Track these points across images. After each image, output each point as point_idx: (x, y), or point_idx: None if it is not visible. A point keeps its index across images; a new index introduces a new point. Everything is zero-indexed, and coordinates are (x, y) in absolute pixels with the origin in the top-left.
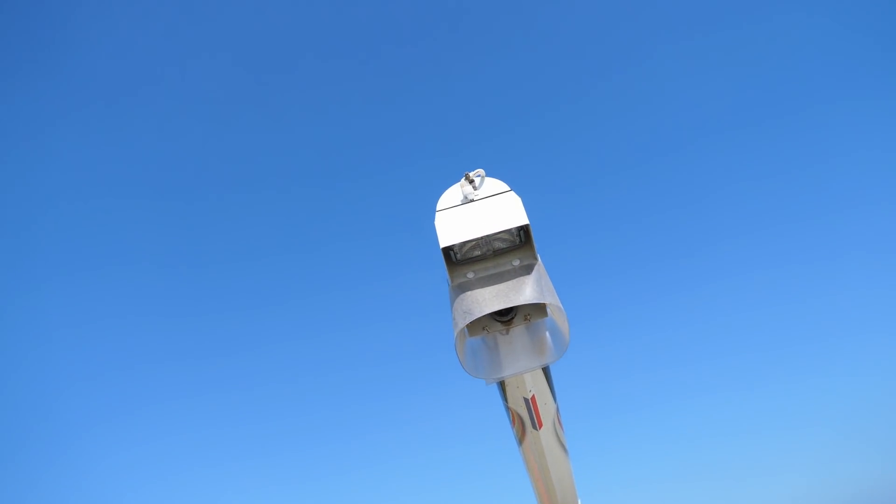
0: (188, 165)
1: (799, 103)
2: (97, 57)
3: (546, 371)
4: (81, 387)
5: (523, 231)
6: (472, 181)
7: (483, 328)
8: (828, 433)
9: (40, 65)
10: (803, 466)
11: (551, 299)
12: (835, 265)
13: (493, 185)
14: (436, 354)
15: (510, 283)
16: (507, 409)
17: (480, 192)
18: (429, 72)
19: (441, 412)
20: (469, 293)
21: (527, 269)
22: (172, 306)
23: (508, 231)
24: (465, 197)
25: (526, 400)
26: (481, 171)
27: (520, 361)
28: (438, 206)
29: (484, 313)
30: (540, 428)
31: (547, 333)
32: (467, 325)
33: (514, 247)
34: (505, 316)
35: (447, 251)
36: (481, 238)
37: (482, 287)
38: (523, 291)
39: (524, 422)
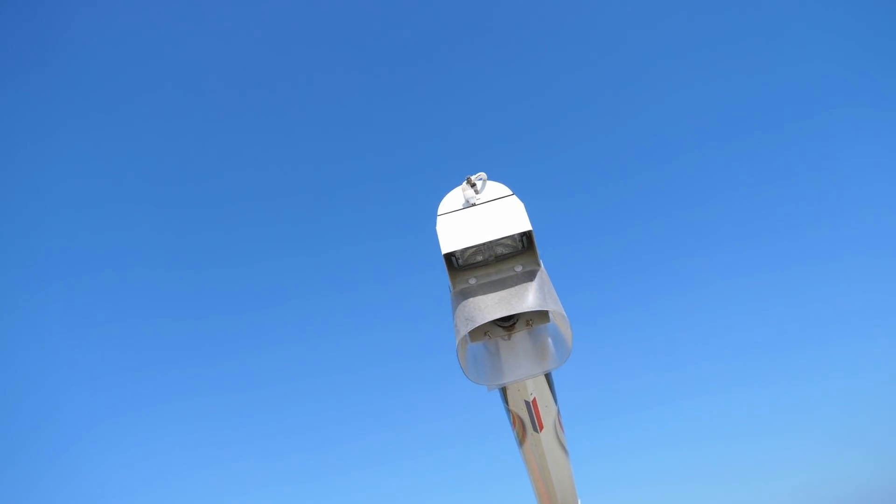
0: (197, 169)
1: (798, 109)
2: (100, 60)
3: (548, 374)
4: (82, 387)
5: (526, 237)
6: (473, 185)
7: (485, 333)
8: (826, 433)
9: (45, 69)
10: (803, 466)
11: (554, 306)
12: (834, 267)
13: (495, 188)
14: (436, 355)
15: (512, 289)
16: (508, 411)
17: (482, 196)
18: (431, 75)
19: (441, 413)
20: (471, 300)
21: (529, 276)
22: (174, 307)
23: (511, 237)
24: (467, 201)
25: (527, 403)
26: (483, 175)
27: (521, 367)
28: (440, 211)
29: (486, 321)
30: (541, 430)
31: (549, 339)
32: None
33: (517, 252)
34: (507, 321)
35: (449, 257)
36: (483, 244)
37: (484, 293)
38: (526, 298)
39: (525, 424)
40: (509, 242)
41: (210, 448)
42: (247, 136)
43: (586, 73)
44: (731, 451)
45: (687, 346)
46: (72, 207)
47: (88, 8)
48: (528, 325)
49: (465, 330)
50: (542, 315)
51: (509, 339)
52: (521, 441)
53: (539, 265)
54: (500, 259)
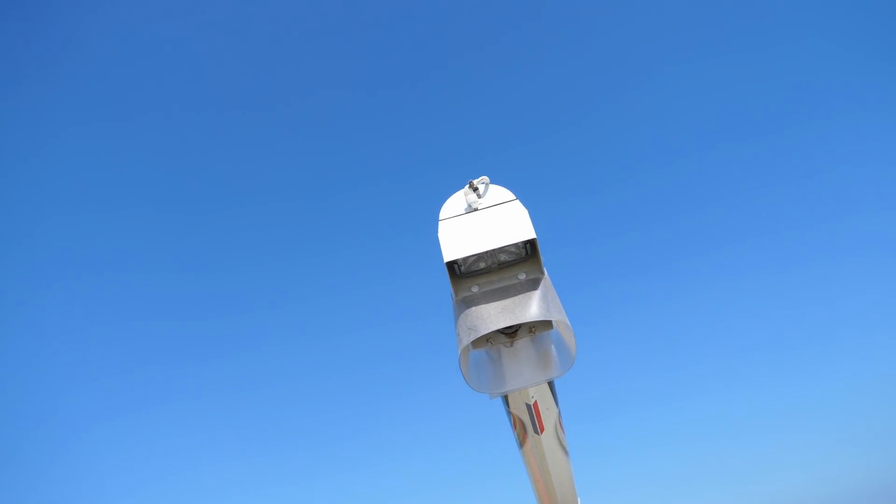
0: (201, 172)
1: (798, 112)
2: (104, 64)
3: None
4: (82, 387)
5: (530, 244)
6: (476, 189)
7: (487, 340)
8: (825, 433)
9: (48, 72)
10: (802, 466)
11: (558, 316)
12: (833, 269)
13: (498, 193)
14: (435, 356)
15: (516, 298)
16: (509, 413)
17: (485, 201)
18: (433, 78)
19: (441, 413)
20: (474, 308)
21: (533, 284)
22: (176, 308)
23: (515, 244)
24: (469, 205)
25: (528, 406)
26: (485, 179)
27: (524, 375)
28: (441, 215)
29: (489, 330)
30: (542, 432)
31: (552, 346)
32: None
33: (520, 259)
34: (510, 328)
35: (451, 264)
36: (487, 252)
37: (487, 302)
38: (529, 308)
39: (526, 426)
40: (513, 249)
41: (210, 448)
42: (249, 139)
43: (589, 76)
44: (731, 451)
45: (687, 347)
46: (79, 210)
47: (93, 13)
48: (530, 332)
49: (467, 340)
50: (545, 322)
51: (512, 345)
52: (521, 443)
53: (543, 273)
54: (504, 266)
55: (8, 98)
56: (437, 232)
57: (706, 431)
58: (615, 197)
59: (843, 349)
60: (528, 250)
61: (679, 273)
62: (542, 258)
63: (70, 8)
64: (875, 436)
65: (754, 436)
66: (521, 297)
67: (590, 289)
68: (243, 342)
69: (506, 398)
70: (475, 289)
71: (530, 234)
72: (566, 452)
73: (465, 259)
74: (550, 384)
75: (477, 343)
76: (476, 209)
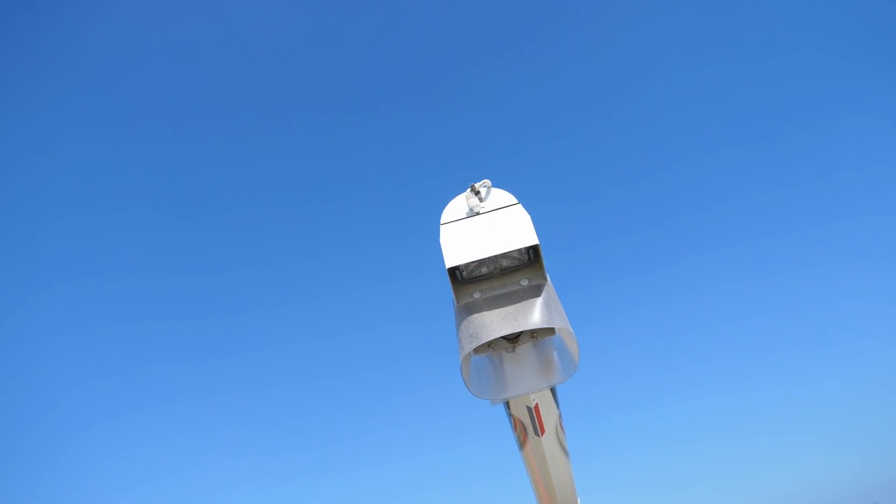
0: (204, 175)
1: (799, 116)
2: (108, 67)
3: None
4: (82, 387)
5: (532, 250)
6: (477, 192)
7: (489, 346)
8: (823, 432)
9: (53, 77)
10: (800, 465)
11: (561, 323)
12: (831, 271)
13: (500, 196)
14: (435, 356)
15: (518, 305)
16: (510, 415)
17: (487, 205)
18: (435, 80)
19: (442, 413)
20: (476, 315)
21: (535, 290)
22: (176, 309)
23: (517, 249)
24: (471, 209)
25: (529, 408)
26: (487, 182)
27: (526, 381)
28: (443, 219)
29: (491, 338)
30: (542, 434)
31: (554, 352)
32: None
33: (523, 265)
34: (511, 334)
35: (452, 269)
36: (489, 258)
37: (489, 308)
38: (532, 315)
39: (526, 428)
40: (515, 255)
41: (210, 447)
42: (252, 142)
43: (591, 80)
44: (731, 451)
45: (687, 348)
46: (81, 212)
47: (94, 16)
48: (532, 337)
49: (469, 347)
50: (547, 328)
51: (514, 351)
52: (521, 444)
53: (545, 279)
54: (506, 272)
55: (9, 100)
56: (438, 235)
57: (706, 431)
58: (616, 199)
59: (841, 349)
60: (531, 256)
61: (679, 274)
62: (545, 263)
63: (72, 12)
64: (873, 435)
65: (753, 435)
66: (523, 303)
67: (590, 290)
68: (243, 342)
69: (507, 401)
70: (477, 295)
71: (533, 240)
72: (566, 453)
73: (467, 265)
74: (552, 388)
75: (479, 348)
76: (478, 213)
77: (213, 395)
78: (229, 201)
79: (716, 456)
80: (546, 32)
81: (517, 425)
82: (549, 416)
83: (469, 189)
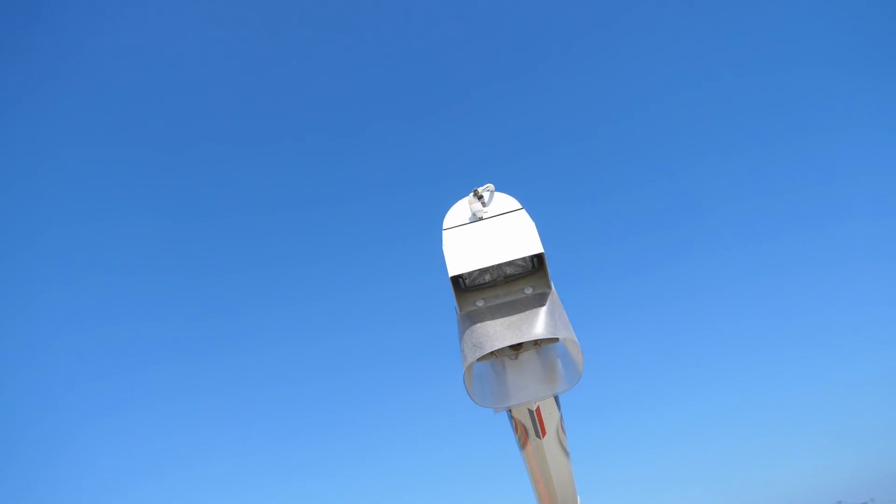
0: (206, 177)
1: (799, 119)
2: (111, 71)
3: None
4: (83, 387)
5: (536, 257)
6: (480, 197)
7: (492, 353)
8: (820, 433)
9: (55, 80)
10: (800, 465)
11: (566, 333)
12: (830, 272)
13: (504, 201)
14: (435, 356)
15: (522, 314)
16: (511, 417)
17: (490, 210)
18: (437, 84)
19: (442, 412)
20: (479, 325)
21: (540, 299)
22: (174, 310)
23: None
24: (474, 214)
25: (530, 411)
26: (490, 186)
27: (528, 389)
28: (445, 224)
29: (495, 348)
30: (543, 436)
31: (558, 360)
32: None
33: (527, 272)
34: None
35: (456, 277)
36: (492, 266)
37: (493, 317)
38: (536, 324)
39: (527, 430)
40: (520, 263)
41: (209, 447)
42: (252, 143)
43: (593, 83)
44: (729, 450)
45: (686, 349)
46: (82, 214)
47: (96, 18)
48: (536, 345)
49: (472, 357)
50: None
51: (516, 358)
52: (522, 445)
53: (550, 287)
54: (509, 279)
55: (9, 101)
56: (439, 238)
57: (705, 431)
58: (620, 202)
59: (839, 350)
60: (535, 264)
61: (678, 275)
62: (549, 271)
63: (75, 15)
64: (870, 435)
65: (752, 435)
66: (527, 313)
67: (592, 291)
68: (243, 342)
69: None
70: (480, 303)
71: (538, 248)
72: (567, 454)
73: (470, 273)
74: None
75: (481, 356)
76: (481, 218)
77: (212, 395)
78: (227, 202)
79: (715, 455)
80: (549, 36)
81: (518, 427)
82: (550, 419)
83: (472, 193)
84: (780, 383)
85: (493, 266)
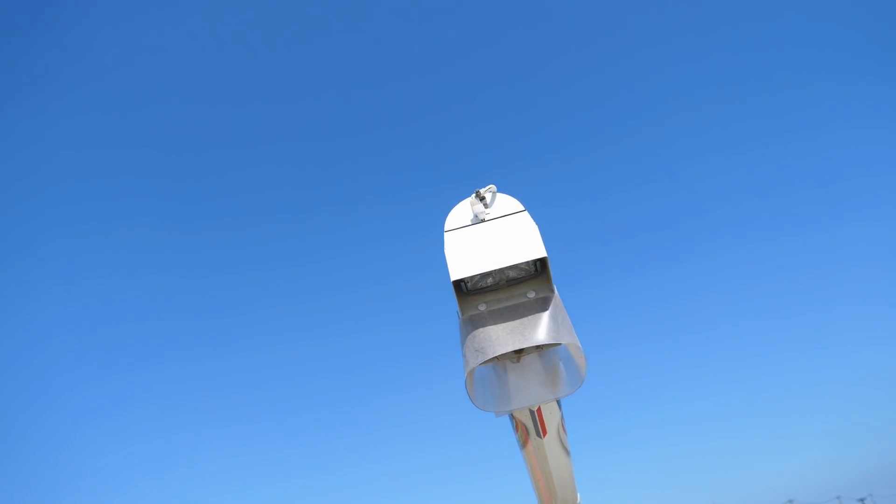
0: (213, 181)
1: (801, 122)
2: (113, 71)
3: None
4: (82, 387)
5: (539, 260)
6: (482, 198)
7: (494, 357)
8: (820, 433)
9: (57, 81)
10: (799, 464)
11: (569, 338)
12: (828, 274)
13: (506, 203)
14: (434, 354)
15: (525, 319)
16: (512, 417)
17: (492, 211)
18: (438, 86)
19: (441, 410)
20: (482, 330)
21: (543, 303)
22: (174, 310)
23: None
24: (476, 216)
25: (531, 411)
26: (493, 188)
27: (531, 393)
28: (447, 226)
29: (497, 353)
30: (544, 436)
31: (560, 364)
32: None
33: (530, 276)
34: None
35: (458, 281)
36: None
37: (495, 322)
38: (539, 330)
39: (528, 429)
40: (522, 266)
41: (213, 447)
42: (252, 144)
43: (594, 82)
44: (727, 447)
45: (686, 347)
46: (82, 215)
47: (100, 20)
48: (538, 347)
49: (475, 362)
50: None
51: (518, 361)
52: (523, 444)
53: (553, 291)
54: (512, 283)
55: (10, 102)
56: (440, 238)
57: (704, 428)
58: (620, 201)
59: (838, 350)
60: (538, 267)
61: (679, 276)
62: (552, 274)
63: (74, 15)
64: (868, 430)
65: (751, 431)
66: (530, 318)
67: (591, 290)
68: (243, 343)
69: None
70: (483, 307)
71: (541, 252)
72: (567, 453)
73: (472, 276)
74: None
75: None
76: (483, 220)
77: (212, 396)
78: (226, 202)
79: (713, 452)
80: (550, 38)
81: (519, 426)
82: (551, 419)
83: (474, 195)
84: (779, 380)
85: (495, 270)
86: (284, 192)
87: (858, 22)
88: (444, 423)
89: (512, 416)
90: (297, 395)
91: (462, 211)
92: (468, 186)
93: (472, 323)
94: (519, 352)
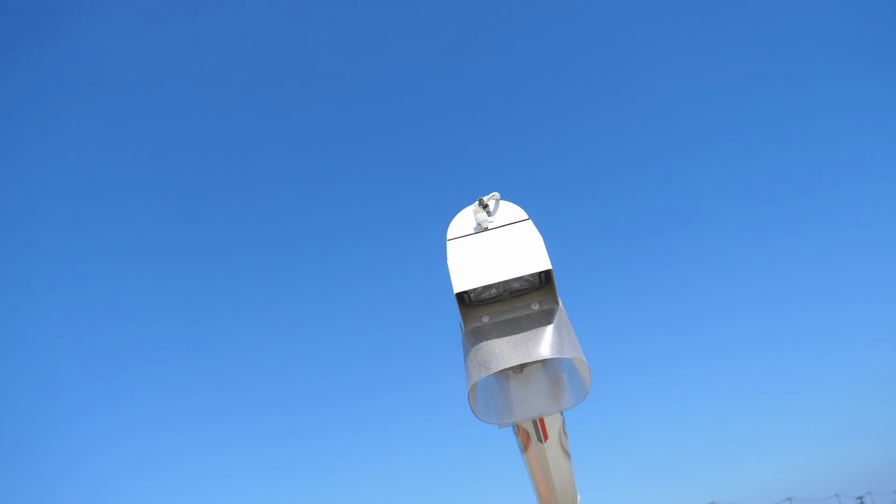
0: (214, 182)
1: (798, 124)
2: (114, 71)
3: None
4: (83, 387)
5: (544, 272)
6: (486, 206)
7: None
8: (819, 433)
9: (58, 81)
10: (795, 459)
11: (573, 352)
12: (827, 276)
13: (510, 211)
14: (433, 354)
15: (529, 333)
16: (513, 422)
17: (495, 220)
18: (439, 88)
19: (441, 409)
20: (485, 343)
21: (547, 316)
22: (172, 311)
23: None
24: (479, 224)
25: (534, 419)
26: (496, 195)
27: (534, 404)
28: (449, 234)
29: (501, 368)
30: (545, 441)
31: (564, 375)
32: None
33: (534, 287)
34: None
35: (460, 293)
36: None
37: (498, 334)
38: (543, 344)
39: (529, 435)
40: (527, 277)
41: (213, 447)
42: (251, 143)
43: (594, 83)
44: (727, 445)
45: (686, 348)
46: (87, 214)
47: (98, 19)
48: (542, 359)
49: (478, 376)
50: None
51: (522, 372)
52: (524, 449)
53: (558, 303)
54: (516, 294)
55: (10, 102)
56: (442, 241)
57: (703, 427)
58: (620, 203)
59: (838, 349)
60: (543, 279)
61: (679, 276)
62: (557, 285)
63: (75, 16)
64: (867, 429)
65: (750, 430)
66: (534, 331)
67: (592, 290)
68: (242, 343)
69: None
70: (486, 318)
71: (546, 264)
72: (568, 456)
73: (475, 288)
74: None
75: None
76: (486, 228)
77: (212, 396)
78: (227, 204)
79: (713, 450)
80: (553, 40)
81: (520, 431)
82: (552, 424)
83: (477, 203)
84: (778, 379)
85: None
86: (286, 194)
87: (859, 23)
88: (445, 423)
89: (513, 422)
90: (297, 396)
91: (465, 218)
92: (470, 191)
93: (476, 335)
94: (522, 363)
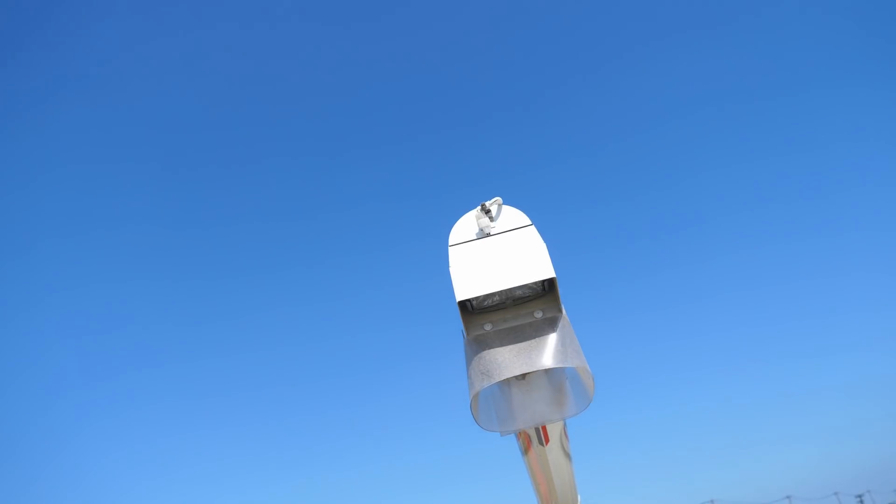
0: (215, 184)
1: (797, 125)
2: (116, 72)
3: None
4: (83, 387)
5: (547, 279)
6: (488, 211)
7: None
8: (818, 433)
9: (59, 81)
10: (794, 457)
11: (576, 361)
12: (826, 278)
13: (512, 216)
14: (433, 355)
15: (532, 341)
16: None
17: (498, 225)
18: (440, 90)
19: (441, 409)
20: (488, 352)
21: (550, 324)
22: (181, 311)
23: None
24: (481, 230)
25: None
26: (498, 200)
27: (537, 412)
28: (451, 240)
29: (503, 377)
30: (546, 444)
31: (567, 383)
32: None
33: (537, 294)
34: None
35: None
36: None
37: (501, 342)
38: (546, 353)
39: (531, 438)
40: (530, 285)
41: (213, 447)
42: (252, 144)
43: (595, 82)
44: (726, 444)
45: (686, 348)
46: (86, 215)
47: (96, 21)
48: None
49: (480, 386)
50: None
51: (524, 379)
52: (525, 451)
53: (561, 311)
54: (518, 302)
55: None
56: (444, 244)
57: (703, 426)
58: (621, 207)
59: (838, 348)
60: (546, 286)
61: (679, 277)
62: (560, 291)
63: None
64: (866, 427)
65: (750, 428)
66: (537, 340)
67: (593, 291)
68: (245, 344)
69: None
70: (488, 326)
71: (549, 272)
72: (569, 458)
73: (478, 296)
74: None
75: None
76: (489, 234)
77: (213, 396)
78: (226, 207)
79: (712, 449)
80: (556, 43)
81: (521, 434)
82: (554, 427)
83: (479, 208)
84: (777, 378)
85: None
86: (288, 198)
87: (858, 30)
88: (445, 423)
89: None
90: (297, 396)
91: (467, 224)
92: (472, 196)
93: (478, 343)
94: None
